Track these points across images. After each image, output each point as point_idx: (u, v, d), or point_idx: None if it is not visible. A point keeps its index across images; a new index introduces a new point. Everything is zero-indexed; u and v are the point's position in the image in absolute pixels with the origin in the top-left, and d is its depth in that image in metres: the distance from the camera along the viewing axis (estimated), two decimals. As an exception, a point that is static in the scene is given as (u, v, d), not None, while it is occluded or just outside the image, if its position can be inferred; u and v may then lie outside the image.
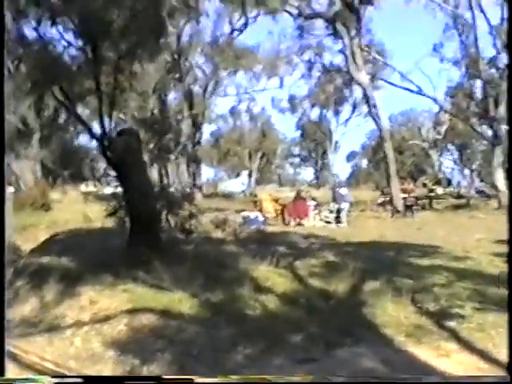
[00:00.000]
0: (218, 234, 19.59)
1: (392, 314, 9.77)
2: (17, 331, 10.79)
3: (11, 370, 8.46)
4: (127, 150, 13.66)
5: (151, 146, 15.30)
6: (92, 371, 8.29)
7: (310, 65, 55.24)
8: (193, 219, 15.50)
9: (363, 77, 37.91)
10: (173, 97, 57.69)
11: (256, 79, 60.27)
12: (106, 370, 8.38)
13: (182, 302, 10.56)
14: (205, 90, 52.14)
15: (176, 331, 9.43)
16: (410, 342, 8.53)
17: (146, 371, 8.22)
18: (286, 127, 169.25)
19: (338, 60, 50.57)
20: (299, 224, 27.62)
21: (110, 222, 15.17)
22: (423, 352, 8.13)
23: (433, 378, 5.24)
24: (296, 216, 28.37)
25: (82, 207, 26.94)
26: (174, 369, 8.23)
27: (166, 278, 11.79)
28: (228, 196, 58.00)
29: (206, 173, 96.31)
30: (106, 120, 14.06)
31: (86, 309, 11.05)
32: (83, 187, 24.35)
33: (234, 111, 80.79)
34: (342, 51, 40.28)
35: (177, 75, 49.08)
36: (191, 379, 4.68)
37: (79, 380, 4.66)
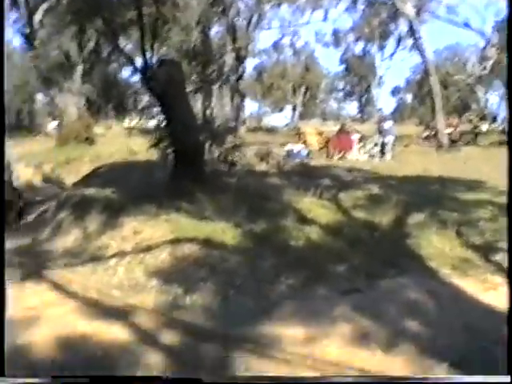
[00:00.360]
0: (261, 166, 19.53)
1: (437, 245, 9.63)
2: (60, 262, 10.93)
3: (54, 301, 8.59)
4: (169, 81, 13.51)
5: (194, 77, 15.06)
6: (135, 300, 8.34)
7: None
8: (236, 151, 15.41)
9: (409, 9, 36.89)
10: (216, 30, 57.21)
11: (300, 12, 59.04)
12: (149, 299, 8.42)
13: (225, 231, 10.53)
14: (248, 24, 51.31)
15: (219, 261, 9.41)
16: (456, 275, 8.39)
17: (188, 300, 8.25)
18: (329, 61, 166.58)
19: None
20: (342, 157, 27.35)
21: (154, 155, 15.18)
22: (469, 285, 7.99)
23: (433, 379, 5.15)
24: (340, 149, 28.08)
25: (126, 141, 26.88)
26: (217, 299, 8.23)
27: (209, 209, 11.80)
28: (271, 130, 57.66)
29: (250, 107, 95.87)
30: (148, 52, 13.89)
31: (129, 239, 11.09)
32: (127, 121, 24.22)
33: (277, 45, 79.68)
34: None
35: (220, 8, 48.38)
36: (200, 379, 4.65)
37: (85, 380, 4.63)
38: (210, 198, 12.34)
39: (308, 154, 27.65)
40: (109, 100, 16.03)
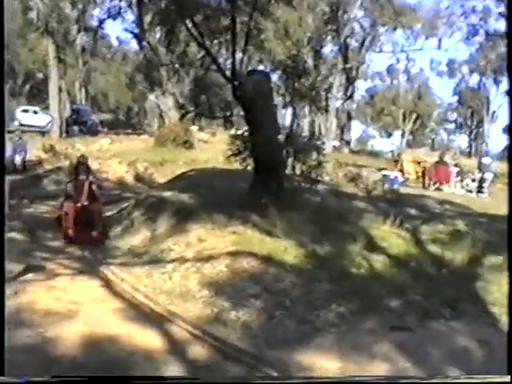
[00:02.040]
0: (349, 188, 19.09)
1: (506, 291, 8.95)
2: (121, 259, 10.88)
3: (100, 298, 8.47)
4: (257, 91, 13.30)
5: (284, 90, 14.82)
6: (179, 309, 8.11)
7: (473, 29, 52.55)
8: (320, 169, 15.00)
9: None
10: (330, 49, 57.12)
11: (414, 38, 58.12)
12: (194, 309, 8.19)
13: (288, 250, 10.20)
14: (361, 45, 50.90)
15: (274, 279, 9.09)
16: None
17: (233, 316, 7.95)
18: (442, 91, 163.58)
19: (503, 25, 47.62)
20: (438, 189, 26.49)
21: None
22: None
23: (434, 379, 4.68)
24: (436, 180, 27.25)
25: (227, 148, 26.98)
26: (262, 317, 7.90)
27: (279, 225, 11.45)
28: (375, 154, 56.79)
29: (358, 129, 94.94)
30: (238, 60, 13.74)
31: (192, 246, 10.93)
32: (234, 130, 24.25)
33: (391, 69, 78.96)
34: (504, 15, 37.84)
35: (334, 27, 48.26)
36: (198, 379, 4.39)
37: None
38: (282, 214, 11.99)
39: (403, 181, 26.94)
40: (197, 105, 15.89)
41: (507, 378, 4.07)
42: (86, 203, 13.16)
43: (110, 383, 4.49)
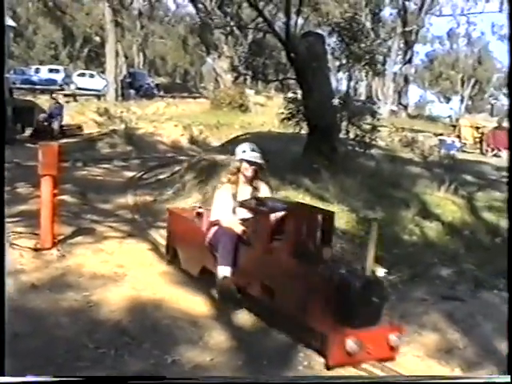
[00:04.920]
0: (405, 153, 18.77)
1: None
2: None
3: (148, 261, 8.44)
4: (310, 53, 13.08)
5: (340, 53, 14.54)
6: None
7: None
8: (374, 133, 14.74)
9: None
10: (387, 13, 56.06)
11: (474, 0, 56.40)
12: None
13: (339, 215, 9.97)
14: (421, 8, 49.64)
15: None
16: None
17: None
18: (503, 55, 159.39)
19: None
20: (496, 155, 25.85)
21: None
22: None
23: (434, 378, 4.50)
24: (494, 146, 26.59)
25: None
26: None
27: (331, 190, 11.29)
28: (433, 119, 55.75)
29: (416, 93, 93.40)
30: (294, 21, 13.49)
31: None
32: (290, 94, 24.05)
33: (451, 33, 77.18)
34: None
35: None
36: (197, 378, 4.30)
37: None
38: (335, 178, 11.82)
39: (460, 147, 26.40)
40: (251, 68, 15.68)
41: (507, 378, 3.96)
42: None
43: (109, 383, 4.45)
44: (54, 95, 29.06)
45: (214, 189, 10.14)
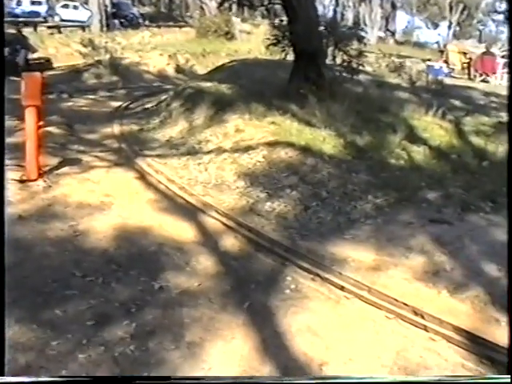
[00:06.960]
0: (392, 78, 18.64)
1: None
2: (159, 151, 10.80)
3: (134, 190, 8.42)
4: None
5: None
6: (213, 200, 8.01)
7: None
8: (361, 58, 14.55)
9: None
10: None
11: None
12: (229, 200, 8.08)
13: (326, 140, 9.96)
14: None
15: (311, 170, 8.89)
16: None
17: (268, 207, 7.83)
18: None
19: None
20: (484, 80, 25.70)
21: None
22: None
23: (433, 378, 4.52)
24: (482, 71, 26.43)
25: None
26: (297, 209, 7.76)
27: (318, 115, 11.19)
28: (421, 45, 55.31)
29: (404, 19, 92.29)
30: None
31: (230, 136, 10.76)
32: (277, 21, 23.66)
33: (440, -46, 75.81)
34: None
35: None
36: (203, 378, 4.29)
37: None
38: (322, 103, 11.69)
39: (448, 73, 26.24)
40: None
41: (507, 379, 4.00)
42: None
43: (113, 383, 4.45)
44: (18, 27, 28.20)
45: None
